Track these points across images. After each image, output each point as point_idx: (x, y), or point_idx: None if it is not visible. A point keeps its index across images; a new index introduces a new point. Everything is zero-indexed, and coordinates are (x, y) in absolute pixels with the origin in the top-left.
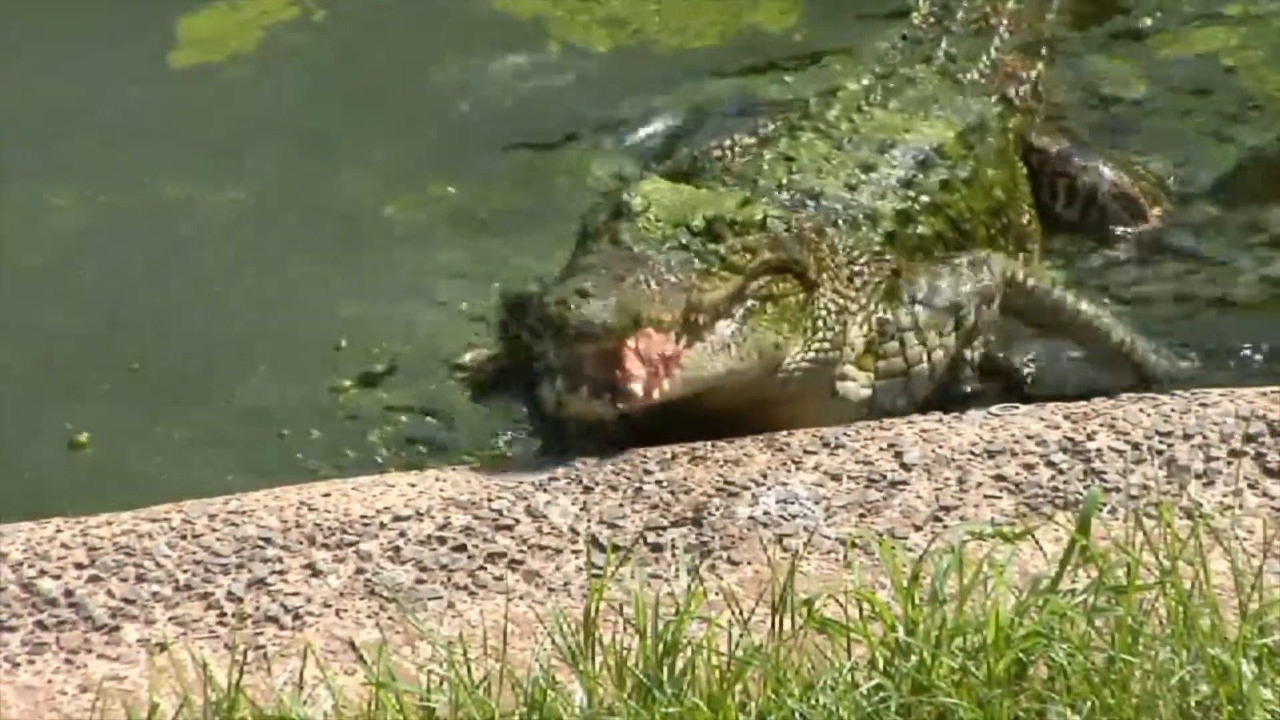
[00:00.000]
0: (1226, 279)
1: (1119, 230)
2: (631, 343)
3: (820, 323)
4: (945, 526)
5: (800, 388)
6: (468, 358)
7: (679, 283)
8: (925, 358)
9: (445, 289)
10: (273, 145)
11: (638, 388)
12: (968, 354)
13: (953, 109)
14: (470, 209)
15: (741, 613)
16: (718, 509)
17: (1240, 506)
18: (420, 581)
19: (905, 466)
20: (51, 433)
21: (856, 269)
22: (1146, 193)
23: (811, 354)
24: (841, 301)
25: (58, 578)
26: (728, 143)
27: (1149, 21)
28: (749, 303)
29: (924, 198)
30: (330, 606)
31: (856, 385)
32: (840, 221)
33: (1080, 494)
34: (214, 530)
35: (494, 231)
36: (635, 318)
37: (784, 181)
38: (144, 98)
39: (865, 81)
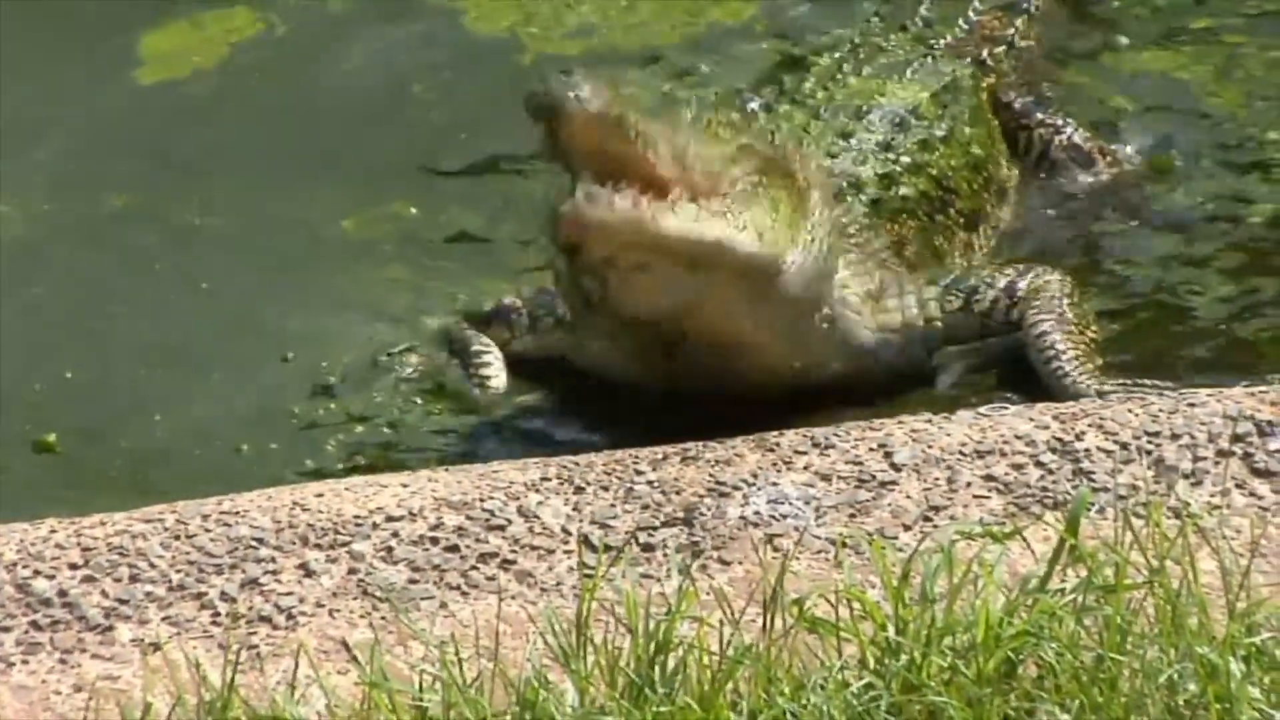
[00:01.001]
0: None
1: (1073, 181)
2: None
3: (813, 234)
4: (935, 526)
5: (799, 306)
6: (412, 360)
7: (676, 140)
8: (922, 322)
9: (397, 304)
10: (232, 161)
11: (632, 202)
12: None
13: (925, 71)
14: (429, 228)
15: (732, 612)
16: (709, 509)
17: (1228, 506)
18: (413, 581)
19: (895, 467)
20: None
21: (862, 242)
22: (1099, 147)
23: (809, 264)
24: (833, 223)
25: (52, 578)
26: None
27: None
28: (740, 186)
29: (904, 159)
30: (323, 606)
31: (859, 322)
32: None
33: (1069, 494)
34: (207, 530)
35: (452, 252)
36: (623, 96)
37: None
38: (104, 113)
39: (837, 54)
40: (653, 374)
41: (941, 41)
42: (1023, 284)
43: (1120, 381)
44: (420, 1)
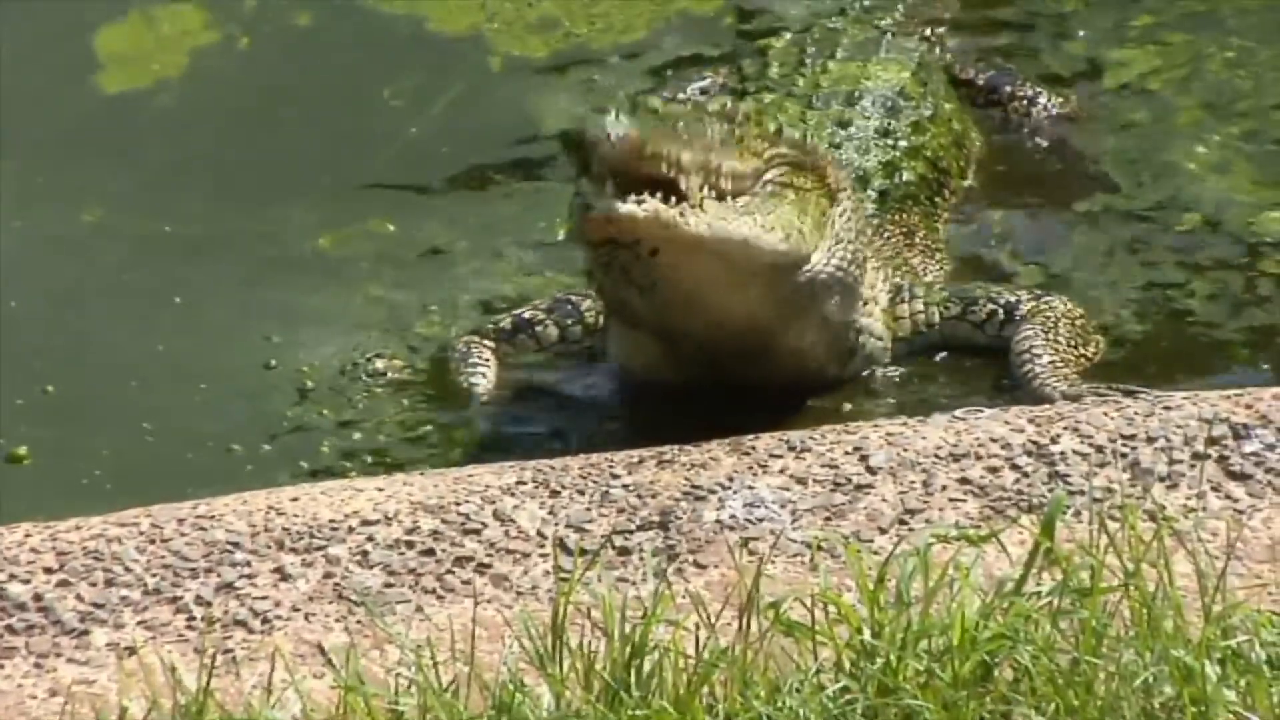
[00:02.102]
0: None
1: (1052, 143)
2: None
3: (843, 235)
4: (910, 529)
5: (823, 311)
6: (379, 364)
7: (700, 141)
8: (925, 328)
9: (375, 315)
10: (201, 174)
11: (659, 207)
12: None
13: (896, 49)
14: (406, 242)
15: (708, 616)
16: (684, 513)
17: (1203, 509)
18: (388, 585)
19: (871, 470)
20: None
21: (876, 244)
22: (1071, 107)
23: (835, 264)
24: (860, 227)
25: (27, 582)
26: None
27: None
28: (769, 186)
29: (902, 143)
30: (299, 610)
31: (882, 344)
32: None
33: (1045, 497)
34: (183, 534)
35: (429, 267)
36: (657, 130)
37: None
38: (66, 122)
39: (788, 37)
40: (685, 373)
41: (886, 21)
42: (1025, 306)
43: (1093, 386)
44: (381, 11)
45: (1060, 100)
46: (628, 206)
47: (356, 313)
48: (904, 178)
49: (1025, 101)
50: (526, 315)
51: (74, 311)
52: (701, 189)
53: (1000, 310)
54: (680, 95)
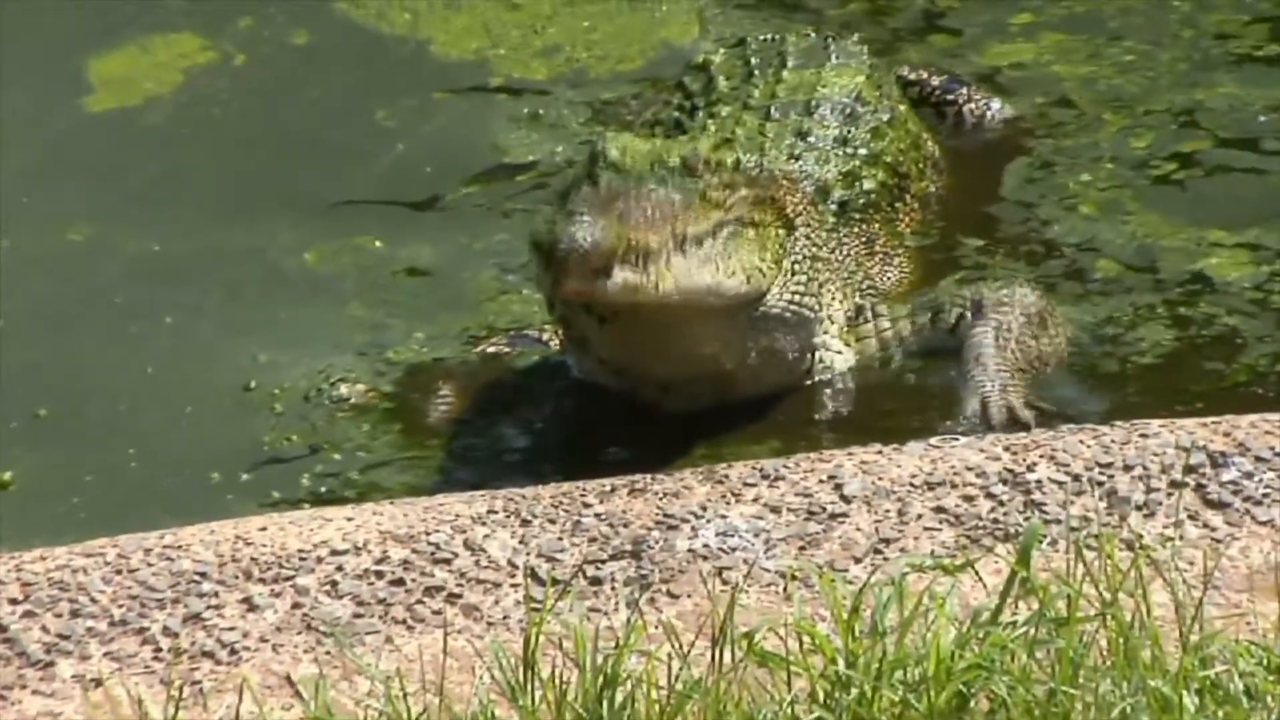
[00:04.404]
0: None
1: (1001, 146)
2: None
3: (798, 266)
4: (885, 559)
5: (781, 340)
6: (343, 389)
7: (664, 213)
8: (899, 342)
9: (354, 336)
10: (191, 192)
11: (629, 275)
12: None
13: (844, 54)
14: (391, 261)
15: (681, 646)
16: (657, 542)
17: (1181, 538)
18: (358, 616)
19: (845, 498)
20: None
21: (837, 257)
22: (1015, 115)
23: (790, 295)
24: (816, 251)
25: None
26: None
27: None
28: (731, 227)
29: (861, 150)
30: (267, 641)
31: (842, 358)
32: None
33: (1021, 526)
34: (149, 565)
35: (413, 286)
36: (622, 236)
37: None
38: (59, 140)
39: (723, 51)
40: (643, 394)
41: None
42: (989, 298)
43: (1027, 398)
44: (382, 32)
45: (1006, 105)
46: (600, 284)
47: (336, 333)
48: (865, 186)
49: (981, 104)
50: (491, 350)
51: (64, 331)
52: (666, 255)
53: (967, 310)
54: (640, 123)
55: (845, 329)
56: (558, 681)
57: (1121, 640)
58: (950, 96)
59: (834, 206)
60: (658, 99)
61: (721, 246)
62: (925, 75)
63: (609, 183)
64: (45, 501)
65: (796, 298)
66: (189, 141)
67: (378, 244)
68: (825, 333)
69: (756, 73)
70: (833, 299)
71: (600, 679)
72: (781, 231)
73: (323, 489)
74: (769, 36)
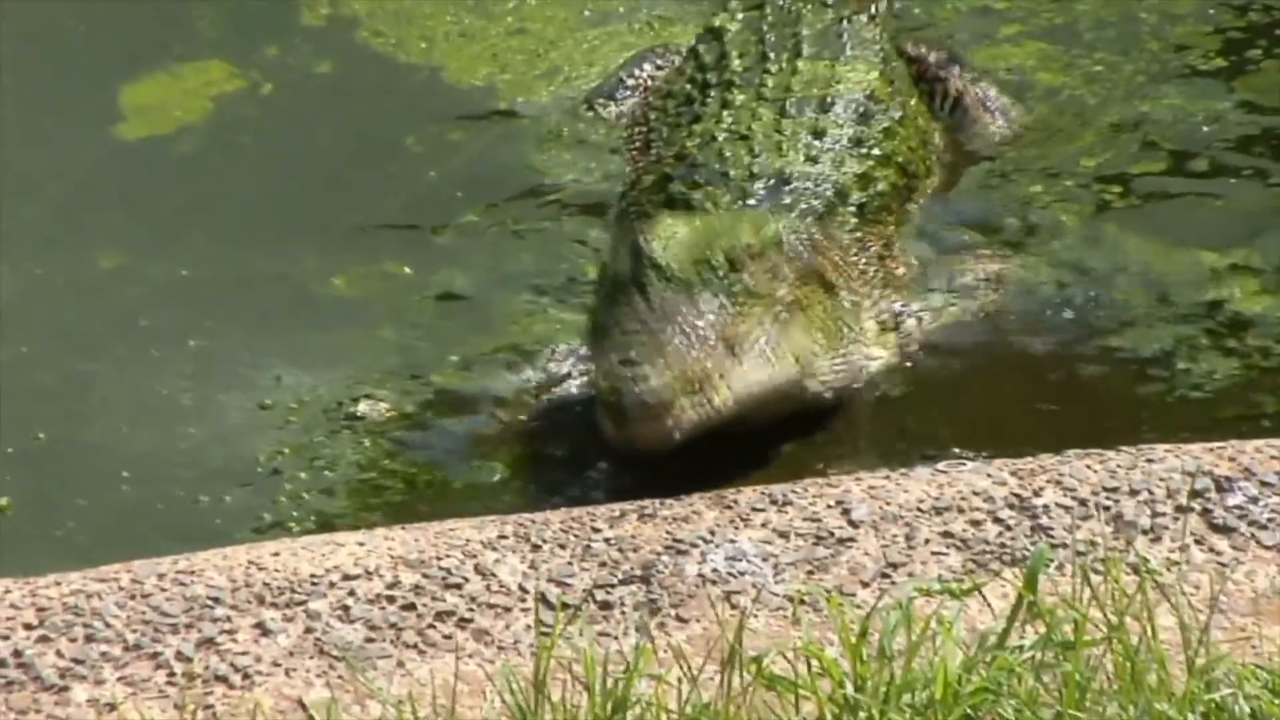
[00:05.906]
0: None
1: (985, 131)
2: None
3: (843, 323)
4: (893, 583)
5: (839, 393)
6: (363, 406)
7: (715, 325)
8: (920, 336)
9: (387, 359)
10: (221, 218)
11: (690, 413)
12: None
13: (855, 41)
14: (421, 286)
15: (690, 670)
16: (666, 566)
17: (1187, 562)
18: (369, 640)
19: (853, 523)
20: None
21: (860, 265)
22: (1011, 100)
23: (841, 358)
24: (855, 299)
25: (6, 638)
26: (650, 121)
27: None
28: (781, 316)
29: (875, 151)
30: (279, 665)
31: (879, 362)
32: (818, 206)
33: (1027, 550)
34: (163, 590)
35: (444, 310)
36: (679, 373)
37: (754, 170)
38: (91, 169)
39: (739, 19)
40: None
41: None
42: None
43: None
44: (400, 61)
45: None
46: (667, 427)
47: (364, 355)
48: (878, 188)
49: (975, 84)
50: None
51: (86, 356)
52: (721, 371)
53: (992, 288)
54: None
55: (878, 333)
56: (568, 706)
57: (1127, 664)
58: (943, 74)
59: (852, 209)
60: (668, 57)
61: (773, 338)
62: (923, 51)
63: (657, 299)
64: (38, 528)
65: (847, 355)
66: (220, 168)
67: (406, 269)
68: (862, 343)
69: (771, 54)
70: (865, 314)
71: (610, 703)
72: (826, 300)
73: (330, 510)
74: (784, 3)
